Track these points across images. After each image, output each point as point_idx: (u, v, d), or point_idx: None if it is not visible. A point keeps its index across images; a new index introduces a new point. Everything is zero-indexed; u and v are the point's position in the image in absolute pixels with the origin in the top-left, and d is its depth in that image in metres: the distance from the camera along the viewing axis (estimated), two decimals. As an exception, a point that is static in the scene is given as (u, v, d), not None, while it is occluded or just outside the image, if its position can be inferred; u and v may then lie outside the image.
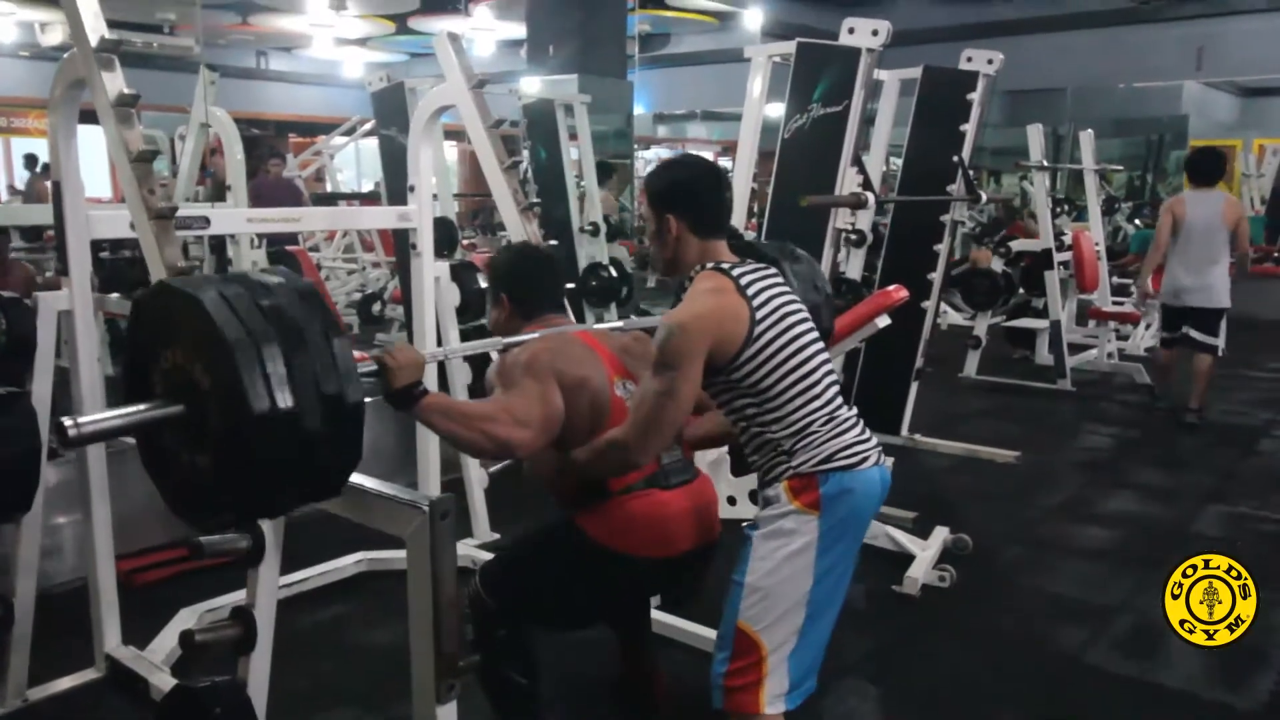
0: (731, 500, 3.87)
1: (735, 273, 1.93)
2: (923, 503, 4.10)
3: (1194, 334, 5.59)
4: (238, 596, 2.04)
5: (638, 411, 1.92)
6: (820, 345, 2.01)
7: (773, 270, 2.04)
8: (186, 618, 2.99)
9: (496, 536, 3.71)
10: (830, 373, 1.98)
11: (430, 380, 3.23)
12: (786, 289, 2.02)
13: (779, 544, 1.87)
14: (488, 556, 3.26)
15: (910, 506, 4.00)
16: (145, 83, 2.18)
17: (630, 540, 2.08)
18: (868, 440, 1.97)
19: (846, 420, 1.96)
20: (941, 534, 3.72)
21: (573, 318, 2.62)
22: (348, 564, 3.46)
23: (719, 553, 2.23)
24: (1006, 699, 2.78)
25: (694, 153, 2.07)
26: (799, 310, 2.00)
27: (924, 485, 4.53)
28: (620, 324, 2.44)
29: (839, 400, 1.98)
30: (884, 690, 2.81)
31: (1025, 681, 2.87)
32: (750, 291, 1.91)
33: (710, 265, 1.97)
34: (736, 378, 1.90)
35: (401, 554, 1.72)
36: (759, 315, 1.89)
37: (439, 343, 3.51)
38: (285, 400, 1.38)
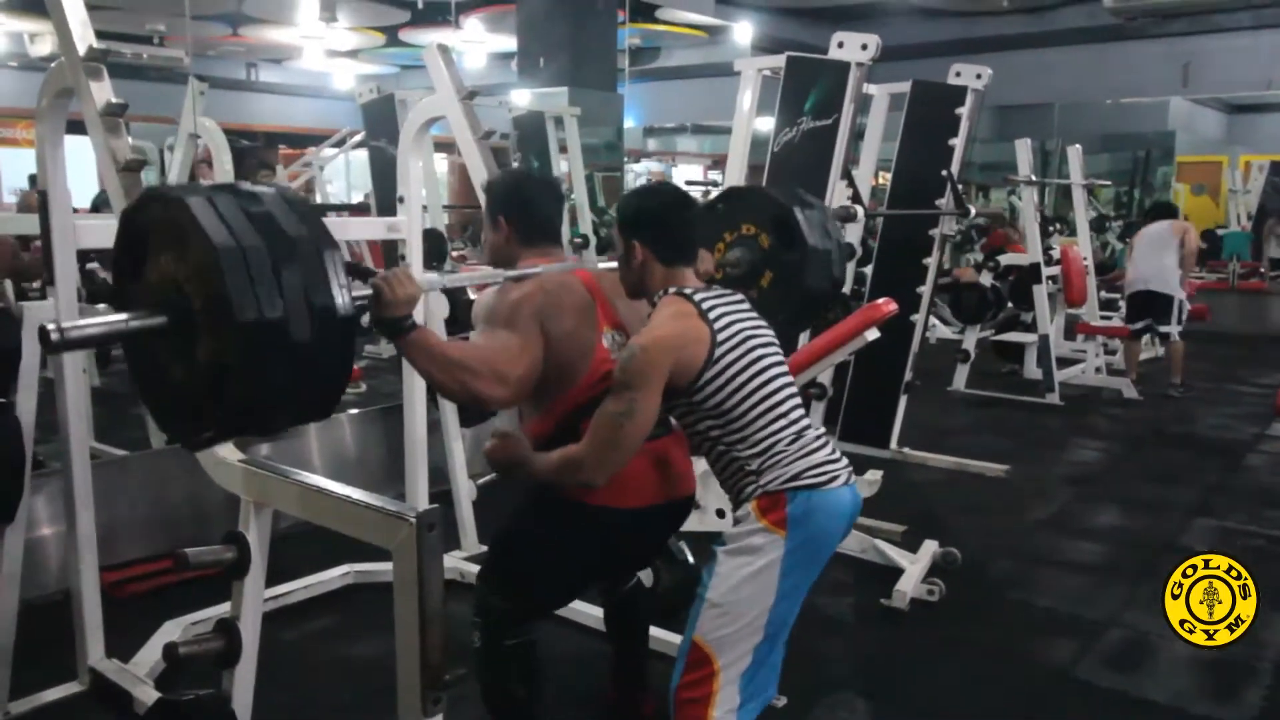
0: (720, 513, 3.86)
1: (697, 298, 1.98)
2: (911, 516, 4.10)
3: (1155, 325, 6.83)
4: (222, 609, 2.03)
5: (596, 432, 1.93)
6: (783, 368, 2.03)
7: (738, 296, 2.08)
8: (171, 630, 2.96)
9: (484, 549, 3.69)
10: (793, 395, 2.01)
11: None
12: (750, 314, 2.06)
13: (743, 561, 1.89)
14: (475, 569, 3.25)
15: (899, 520, 4.00)
16: (134, 94, 2.18)
17: (603, 493, 2.06)
18: (837, 460, 1.98)
19: (814, 440, 1.97)
20: (930, 548, 3.72)
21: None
22: (334, 577, 3.44)
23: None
24: (995, 713, 2.77)
25: (666, 180, 2.08)
26: (762, 334, 2.03)
27: (913, 499, 4.53)
28: (614, 264, 2.40)
29: (804, 421, 2.00)
30: (872, 704, 2.79)
31: (1014, 696, 2.86)
32: (712, 315, 1.95)
33: (673, 290, 2.00)
34: (699, 399, 1.93)
35: (388, 566, 1.70)
36: (720, 338, 1.93)
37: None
38: (273, 309, 1.34)
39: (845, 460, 2.01)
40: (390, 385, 6.50)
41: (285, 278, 1.36)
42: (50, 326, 1.35)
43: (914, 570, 3.50)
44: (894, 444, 5.08)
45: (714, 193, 4.13)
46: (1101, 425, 6.27)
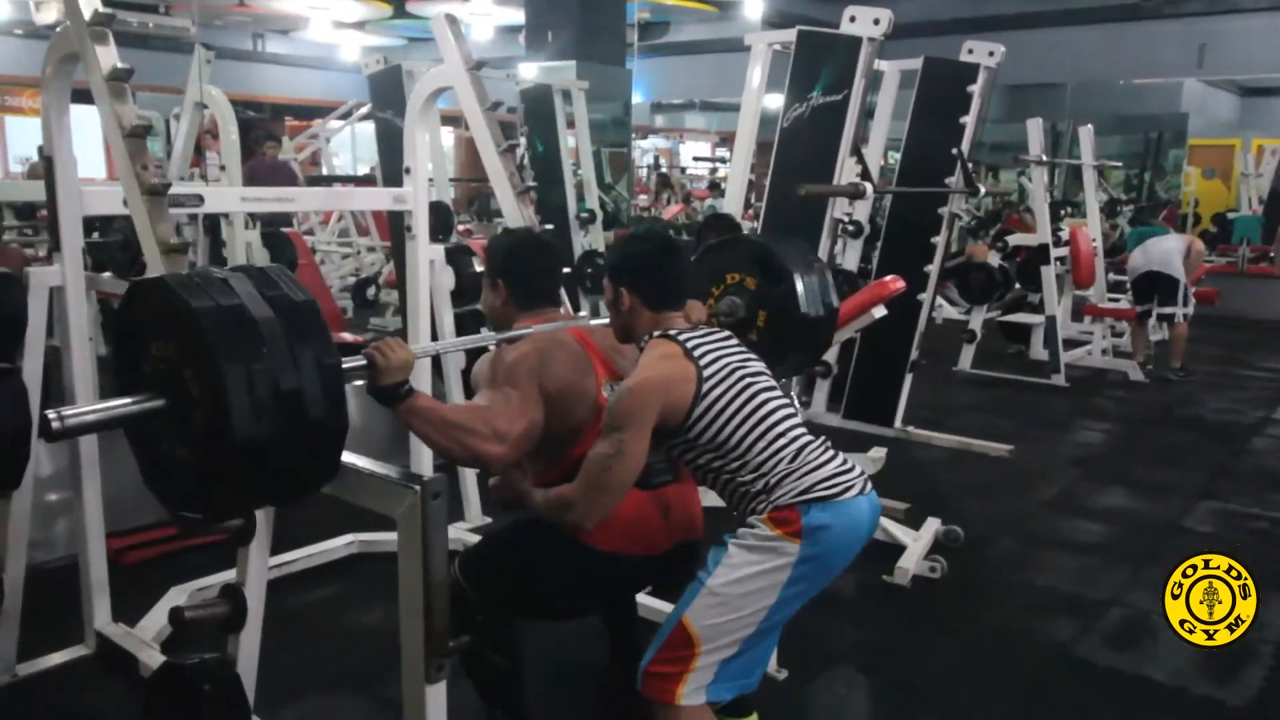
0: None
1: (682, 338, 2.00)
2: (915, 494, 4.10)
3: (1158, 309, 6.81)
4: (228, 576, 2.04)
5: (586, 473, 1.94)
6: (778, 392, 2.03)
7: (724, 334, 2.09)
8: (176, 596, 2.98)
9: (488, 520, 3.71)
10: (791, 415, 2.01)
11: (425, 364, 3.24)
12: (738, 349, 2.06)
13: (753, 558, 1.87)
14: (478, 540, 3.26)
15: (902, 498, 4.00)
16: (140, 63, 2.17)
17: (610, 538, 2.07)
18: (849, 470, 1.96)
19: (820, 454, 1.96)
20: (933, 525, 3.73)
21: (569, 309, 2.60)
22: (338, 546, 3.46)
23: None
24: (995, 690, 2.78)
25: (655, 231, 2.12)
26: (751, 364, 2.04)
27: (916, 477, 4.54)
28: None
29: (806, 438, 1.98)
30: (873, 680, 2.81)
31: (1014, 673, 2.87)
32: (697, 353, 1.97)
33: (659, 333, 2.03)
34: (693, 436, 1.94)
35: (392, 536, 1.71)
36: (706, 373, 1.94)
37: (434, 327, 3.50)
38: (268, 427, 1.40)
39: (858, 470, 1.98)
40: (396, 358, 6.51)
41: (285, 389, 1.42)
42: (52, 416, 1.42)
43: (916, 547, 3.51)
44: (898, 422, 5.07)
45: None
46: (1107, 407, 6.26)
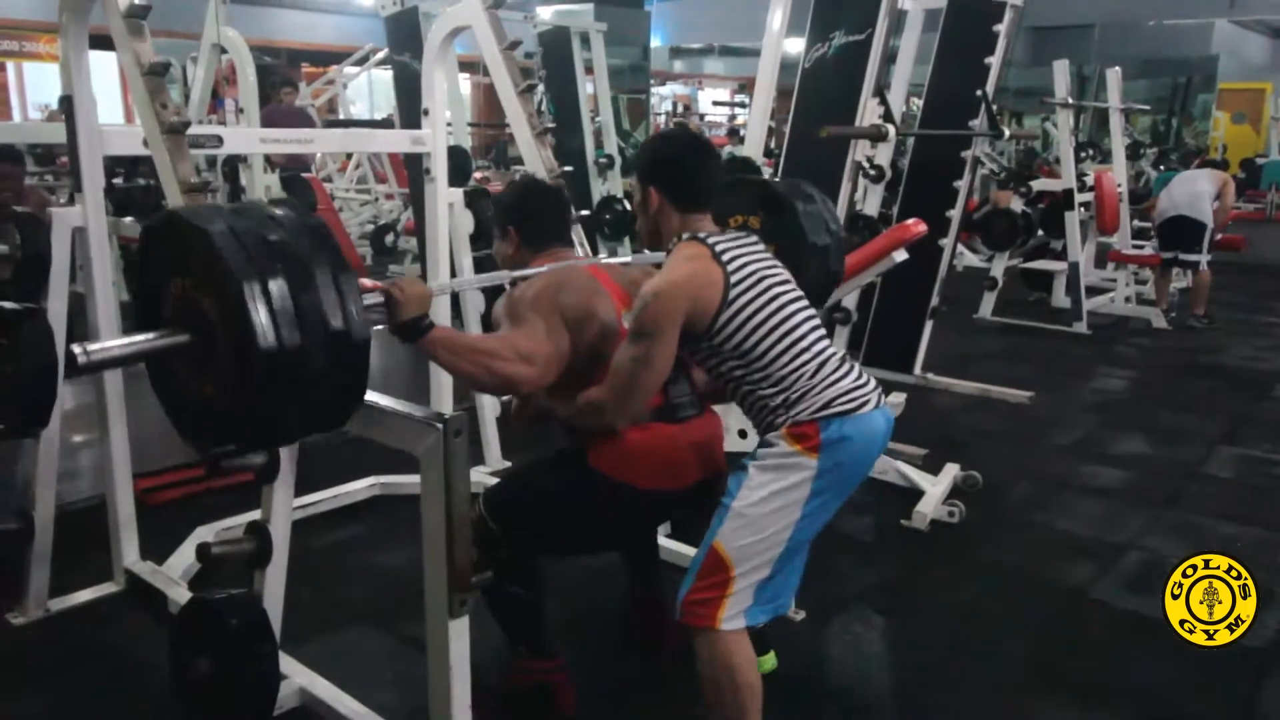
0: (742, 434, 3.88)
1: (711, 241, 1.96)
2: (934, 440, 4.10)
3: (1181, 255, 6.72)
4: (253, 516, 2.07)
5: (615, 377, 1.95)
6: (804, 303, 2.02)
7: (752, 239, 2.06)
8: (203, 535, 3.04)
9: (508, 464, 3.74)
10: (817, 327, 2.00)
11: (444, 308, 3.24)
12: (766, 256, 2.04)
13: (774, 477, 1.89)
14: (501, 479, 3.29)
15: (921, 444, 4.00)
16: (155, 6, 2.15)
17: (635, 472, 2.09)
18: (866, 384, 1.97)
19: (840, 368, 1.96)
20: (952, 470, 3.73)
21: (583, 251, 2.59)
22: (360, 488, 3.50)
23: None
24: (1011, 630, 2.80)
25: (684, 125, 2.08)
26: (778, 273, 2.02)
27: (935, 423, 4.53)
28: (628, 259, 2.42)
29: (829, 351, 1.98)
30: (890, 619, 2.83)
31: (1031, 615, 2.89)
32: (725, 257, 1.94)
33: (688, 236, 2.00)
34: (718, 342, 1.93)
35: (413, 479, 1.73)
36: (734, 279, 1.92)
37: (452, 270, 3.50)
38: (292, 337, 1.39)
39: (874, 383, 1.99)
40: (414, 304, 6.53)
41: (304, 307, 1.41)
42: (77, 350, 1.42)
43: (935, 492, 3.52)
44: (918, 369, 5.05)
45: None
46: (1129, 355, 6.22)
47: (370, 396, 1.72)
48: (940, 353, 5.27)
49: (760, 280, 1.95)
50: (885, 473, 3.71)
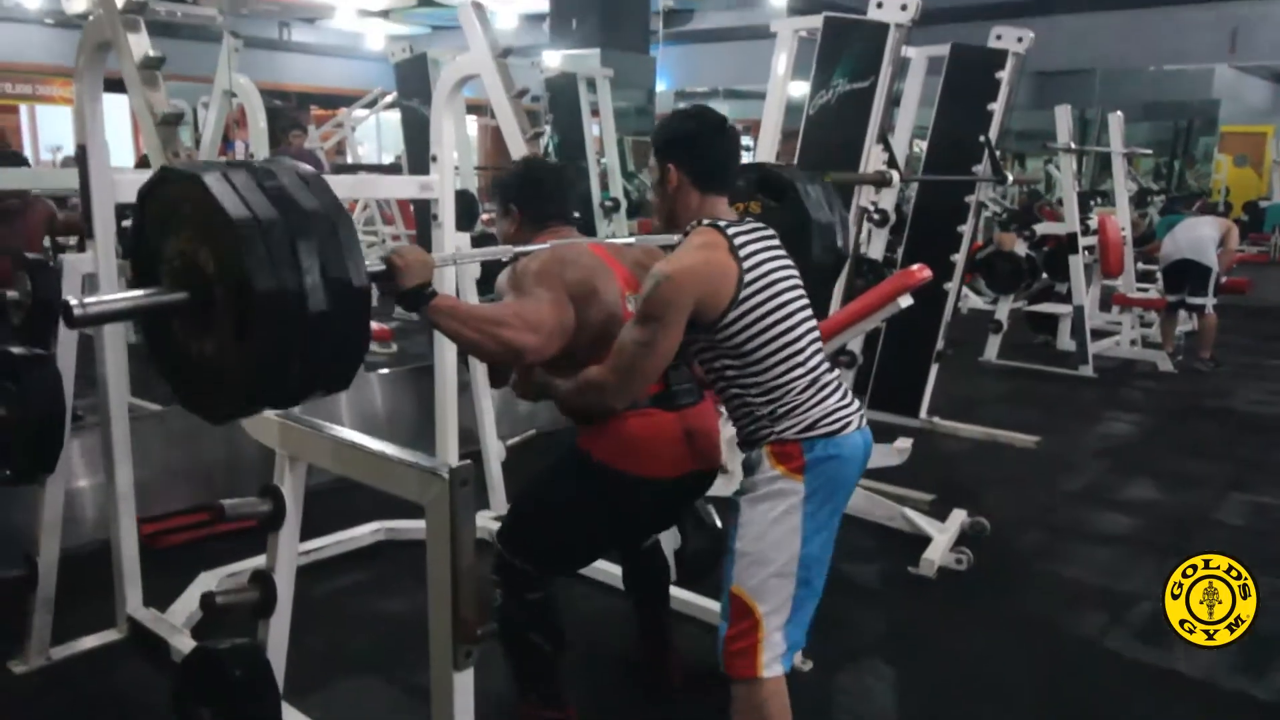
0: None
1: (730, 231, 1.92)
2: (941, 485, 4.08)
3: (1188, 299, 6.76)
4: (257, 562, 2.06)
5: (618, 358, 1.92)
6: (808, 311, 2.01)
7: (769, 231, 2.03)
8: (206, 581, 3.02)
9: (513, 509, 3.72)
10: (815, 339, 1.99)
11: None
12: (780, 252, 2.01)
13: (767, 508, 1.90)
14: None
15: (928, 489, 3.99)
16: (167, 52, 2.18)
17: (632, 460, 2.10)
18: (850, 405, 1.98)
19: (828, 385, 1.96)
20: (959, 517, 3.71)
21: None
22: (365, 533, 3.49)
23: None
24: (1023, 684, 2.77)
25: (703, 107, 2.05)
26: (789, 275, 1.99)
27: (942, 468, 4.51)
28: (631, 239, 2.41)
29: (822, 366, 1.98)
30: (899, 671, 2.80)
31: (1042, 666, 2.85)
32: (743, 252, 1.90)
33: (706, 221, 1.96)
34: (720, 338, 1.90)
35: (419, 524, 1.72)
36: (748, 277, 1.89)
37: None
38: (291, 279, 1.35)
39: (856, 404, 2.00)
40: (420, 346, 6.53)
41: (302, 250, 1.37)
42: (73, 302, 1.37)
43: (942, 539, 3.49)
44: (924, 413, 5.05)
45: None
46: (1135, 398, 6.20)
47: (375, 444, 1.72)
48: (946, 396, 5.26)
49: (773, 283, 1.93)
50: (892, 519, 3.69)
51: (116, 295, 1.47)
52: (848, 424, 1.94)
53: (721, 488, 2.37)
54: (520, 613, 2.20)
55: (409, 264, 1.76)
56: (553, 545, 2.22)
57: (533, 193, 2.32)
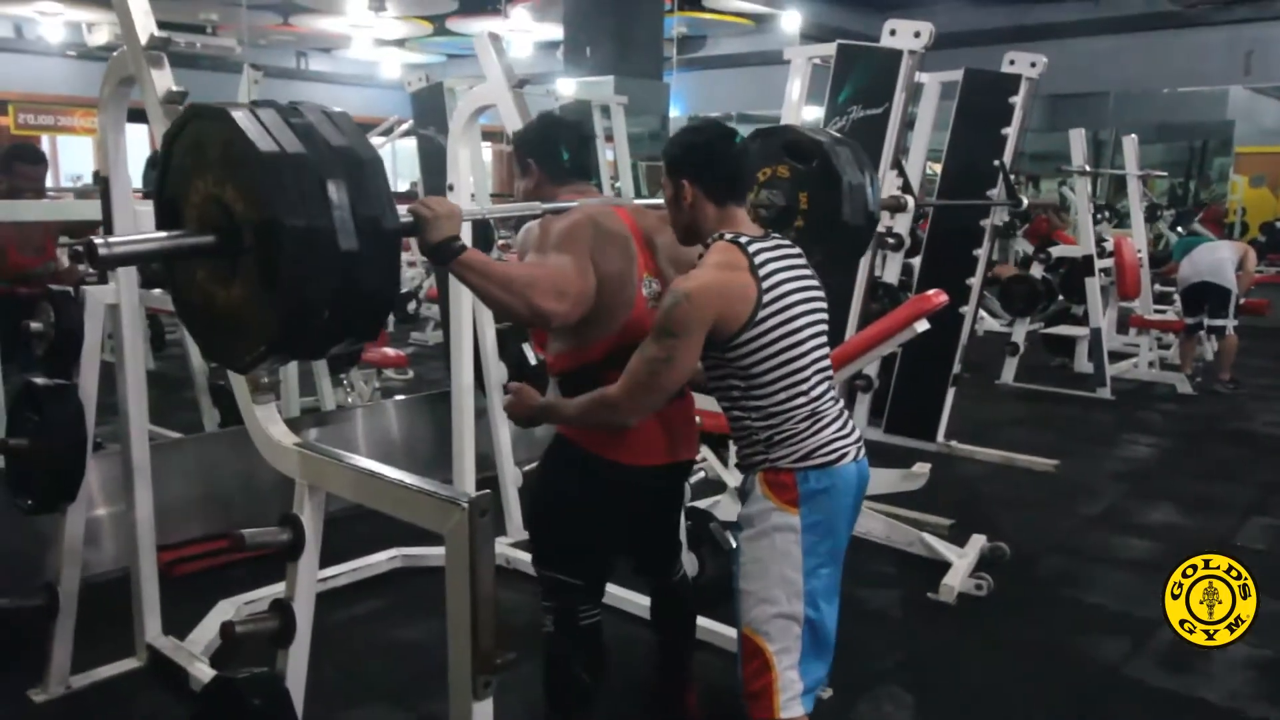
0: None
1: (751, 248, 1.90)
2: (959, 510, 4.06)
3: (1208, 320, 6.72)
4: (276, 589, 2.06)
5: (633, 375, 1.91)
6: (821, 338, 1.99)
7: (795, 250, 2.01)
8: (225, 609, 3.02)
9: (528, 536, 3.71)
10: (823, 367, 1.98)
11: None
12: (804, 270, 2.00)
13: (765, 545, 1.90)
14: (521, 554, 3.27)
15: (946, 514, 3.96)
16: (186, 83, 2.21)
17: (613, 448, 2.10)
18: (848, 436, 1.97)
19: (828, 415, 1.95)
20: (978, 542, 3.68)
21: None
22: (382, 560, 3.48)
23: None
24: (1044, 711, 2.74)
25: (710, 119, 2.04)
26: (808, 297, 1.97)
27: (960, 492, 4.48)
28: (656, 200, 2.31)
29: (826, 394, 1.97)
30: (919, 699, 2.77)
31: (1063, 693, 2.83)
32: (763, 271, 1.89)
33: (729, 236, 1.94)
34: (731, 357, 1.90)
35: (436, 551, 1.72)
36: (766, 299, 1.88)
37: (476, 344, 3.52)
38: (320, 217, 1.32)
39: (856, 434, 1.99)
40: (436, 372, 6.57)
41: (331, 187, 1.34)
42: (99, 242, 1.33)
43: (961, 564, 3.47)
44: (941, 437, 5.02)
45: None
46: (1154, 421, 6.15)
47: (394, 473, 1.73)
48: (963, 420, 5.24)
49: (789, 305, 1.91)
50: (911, 544, 3.67)
51: (143, 235, 1.44)
52: (844, 455, 1.93)
53: (733, 511, 2.36)
54: (567, 642, 2.19)
55: (437, 215, 1.73)
56: (566, 545, 2.22)
57: (552, 150, 2.25)
